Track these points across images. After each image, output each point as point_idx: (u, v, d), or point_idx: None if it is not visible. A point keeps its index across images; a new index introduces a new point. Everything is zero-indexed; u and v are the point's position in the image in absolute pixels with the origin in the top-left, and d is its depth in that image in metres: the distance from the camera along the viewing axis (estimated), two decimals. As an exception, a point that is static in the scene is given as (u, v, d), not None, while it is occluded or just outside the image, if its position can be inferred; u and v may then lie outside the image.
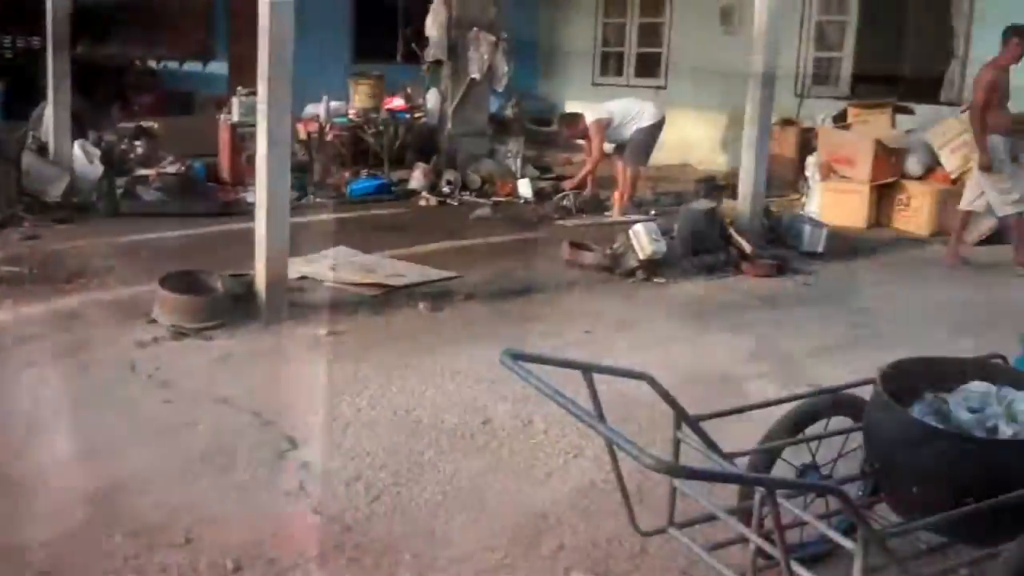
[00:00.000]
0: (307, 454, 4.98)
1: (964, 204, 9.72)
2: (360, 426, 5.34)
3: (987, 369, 3.98)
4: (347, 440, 5.15)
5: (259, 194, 7.18)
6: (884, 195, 11.14)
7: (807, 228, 9.73)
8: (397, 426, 5.35)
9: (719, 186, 12.43)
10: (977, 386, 3.78)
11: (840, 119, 12.40)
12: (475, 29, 12.52)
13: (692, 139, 15.34)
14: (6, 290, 7.53)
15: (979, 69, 9.63)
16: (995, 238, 10.49)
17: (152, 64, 16.50)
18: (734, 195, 10.05)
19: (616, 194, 11.07)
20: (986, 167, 9.25)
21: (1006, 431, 3.53)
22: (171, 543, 4.11)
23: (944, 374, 3.88)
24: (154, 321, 6.81)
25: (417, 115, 13.17)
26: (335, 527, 4.27)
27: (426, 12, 12.77)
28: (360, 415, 5.50)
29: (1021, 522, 3.15)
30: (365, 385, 5.93)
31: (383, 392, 5.84)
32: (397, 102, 13.33)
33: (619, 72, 17.04)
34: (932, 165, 11.12)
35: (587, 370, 3.38)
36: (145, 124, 12.72)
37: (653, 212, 10.80)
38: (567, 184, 11.51)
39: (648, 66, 16.51)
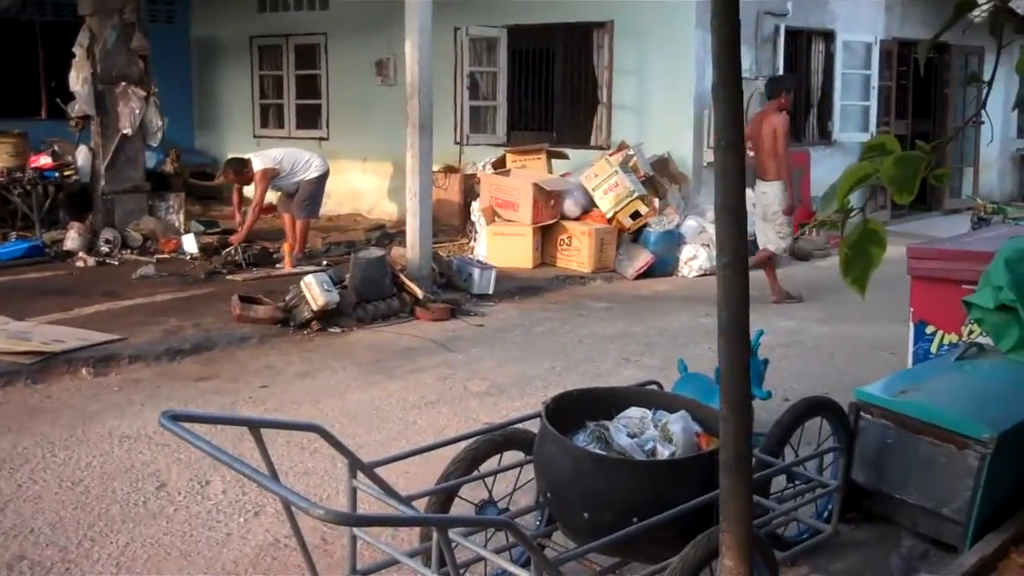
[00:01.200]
0: (-39, 539, 4.61)
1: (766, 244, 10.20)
2: (22, 503, 5.00)
3: (643, 395, 4.25)
4: (7, 519, 4.80)
5: None
6: (547, 236, 11.62)
7: (476, 271, 10.00)
8: (63, 500, 5.04)
9: (389, 234, 12.58)
10: (634, 412, 4.03)
11: (500, 165, 12.84)
12: (123, 84, 12.09)
13: (360, 188, 15.47)
14: None
15: (755, 118, 10.14)
16: (652, 271, 11.20)
17: None
18: (404, 243, 10.18)
19: (286, 246, 10.96)
20: (792, 210, 9.86)
21: (663, 452, 3.76)
22: None
23: (604, 403, 4.10)
24: None
25: (67, 173, 12.50)
26: (-2, 614, 3.98)
27: (69, 66, 12.20)
28: (21, 491, 5.14)
29: (684, 536, 3.35)
30: (26, 459, 5.57)
31: (46, 465, 5.50)
32: (44, 160, 12.60)
33: (280, 124, 16.92)
34: (588, 206, 11.70)
35: (254, 425, 3.29)
36: None
37: (325, 263, 10.76)
38: (234, 238, 11.26)
39: (309, 118, 16.48)
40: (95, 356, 7.36)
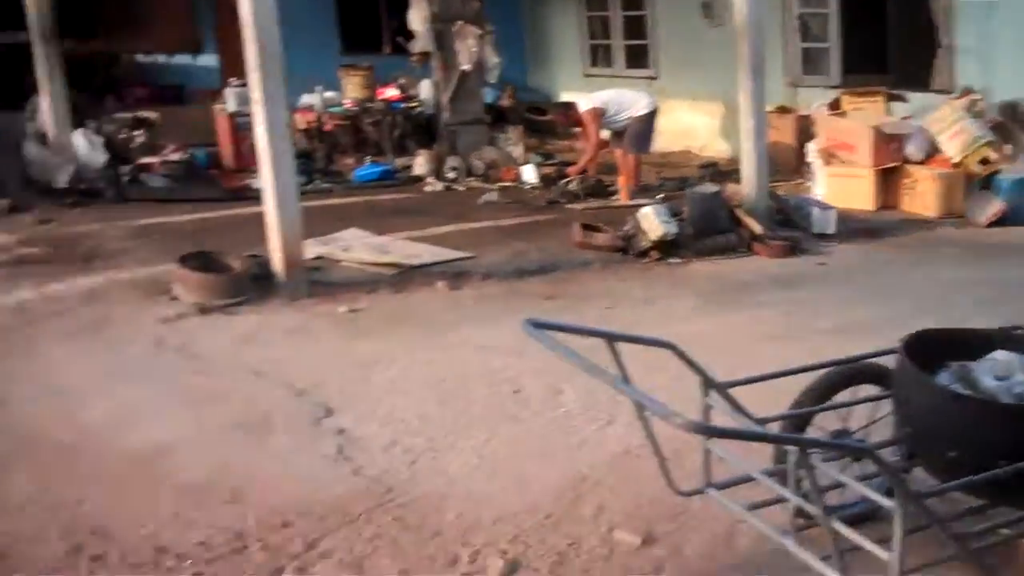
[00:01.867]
0: (343, 421, 5.02)
1: None
2: (392, 396, 5.37)
3: (1010, 339, 4.00)
4: (381, 409, 5.18)
5: (266, 181, 7.25)
6: (889, 178, 11.14)
7: (815, 210, 9.73)
8: (427, 397, 5.37)
9: (722, 172, 12.45)
10: (1002, 355, 3.80)
11: (834, 107, 12.44)
12: (459, 22, 12.56)
13: (689, 127, 15.34)
14: (28, 270, 7.58)
15: None
16: (1005, 220, 10.54)
17: (139, 57, 16.51)
18: (738, 180, 10.07)
19: (621, 179, 11.11)
20: None
21: (1033, 398, 3.57)
22: (219, 500, 4.17)
23: (966, 344, 3.89)
24: (175, 298, 6.84)
25: (412, 105, 13.22)
26: (377, 488, 4.31)
27: (408, 6, 12.80)
28: (392, 386, 5.53)
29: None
30: (393, 359, 5.96)
31: (411, 364, 5.88)
32: (391, 92, 13.37)
33: (609, 63, 17.02)
34: (931, 151, 11.17)
35: (610, 338, 3.34)
36: (143, 114, 12.66)
37: (660, 196, 10.80)
38: (571, 170, 11.52)
39: (638, 57, 16.48)
40: (449, 271, 7.77)
